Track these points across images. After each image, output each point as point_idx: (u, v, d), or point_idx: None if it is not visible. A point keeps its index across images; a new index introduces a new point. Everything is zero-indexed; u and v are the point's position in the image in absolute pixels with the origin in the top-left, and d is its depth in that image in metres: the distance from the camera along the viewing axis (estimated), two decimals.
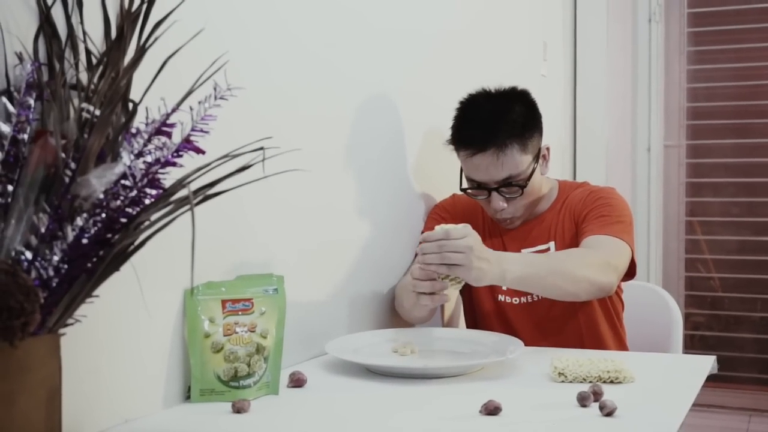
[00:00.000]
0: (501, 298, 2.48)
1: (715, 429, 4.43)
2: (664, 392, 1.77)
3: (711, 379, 1.96)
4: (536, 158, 2.40)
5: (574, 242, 2.40)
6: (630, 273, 2.35)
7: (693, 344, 4.77)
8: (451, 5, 2.86)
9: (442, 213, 2.60)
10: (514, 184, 2.36)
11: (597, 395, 1.63)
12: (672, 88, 4.75)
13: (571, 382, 1.82)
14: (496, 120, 2.34)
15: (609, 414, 1.55)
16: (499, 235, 2.52)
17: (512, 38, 3.40)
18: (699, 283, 4.81)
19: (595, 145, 4.13)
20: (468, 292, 2.58)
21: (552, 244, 2.46)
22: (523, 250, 2.45)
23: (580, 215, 2.42)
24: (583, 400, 1.62)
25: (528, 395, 1.74)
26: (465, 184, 2.45)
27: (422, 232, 2.56)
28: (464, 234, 1.96)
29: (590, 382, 1.80)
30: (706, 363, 2.00)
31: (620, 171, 4.38)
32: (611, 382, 1.80)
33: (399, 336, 2.18)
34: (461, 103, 2.45)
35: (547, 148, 2.49)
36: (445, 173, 2.77)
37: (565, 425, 1.54)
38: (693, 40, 4.76)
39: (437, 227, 2.00)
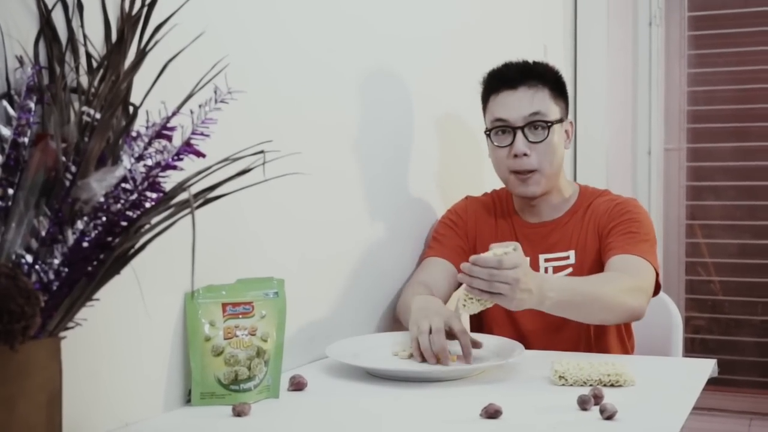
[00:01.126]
0: None
1: None
2: (665, 396, 1.77)
3: (711, 383, 1.96)
4: (562, 120, 2.44)
5: (596, 254, 2.40)
6: (654, 292, 2.34)
7: (693, 347, 4.76)
8: (451, 9, 2.85)
9: (453, 217, 2.59)
10: (540, 123, 2.37)
11: (597, 399, 1.63)
12: (672, 91, 4.74)
13: (571, 385, 1.82)
14: (532, 65, 2.46)
15: (609, 417, 1.55)
16: (514, 237, 2.49)
17: (512, 41, 3.40)
18: (699, 286, 4.80)
19: (596, 148, 4.12)
20: None
21: (572, 253, 2.44)
22: (540, 257, 2.44)
23: (605, 228, 2.41)
24: (583, 404, 1.62)
25: (528, 398, 1.74)
26: (490, 126, 2.46)
27: (433, 235, 2.59)
28: (515, 264, 1.92)
29: (591, 385, 1.80)
30: (707, 366, 2.00)
31: (621, 174, 4.38)
32: (612, 385, 1.80)
33: (400, 339, 2.18)
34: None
35: (571, 123, 2.52)
36: (447, 177, 2.77)
37: (566, 429, 1.54)
38: (693, 44, 4.75)
39: (491, 253, 1.96)
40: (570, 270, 2.42)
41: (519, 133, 2.37)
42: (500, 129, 2.42)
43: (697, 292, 4.80)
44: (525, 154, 2.38)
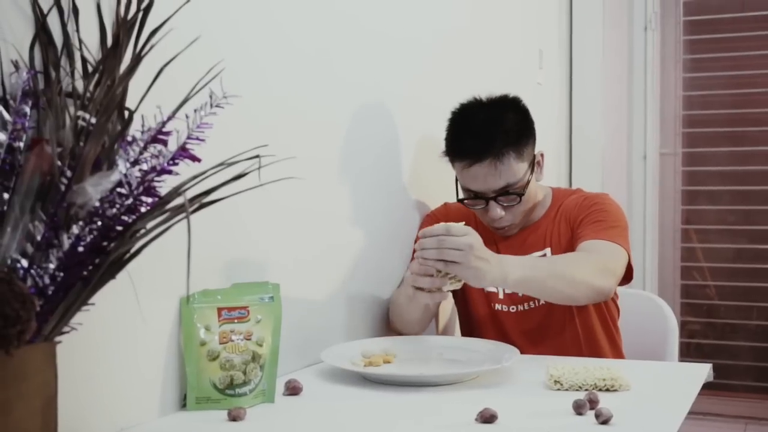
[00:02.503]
0: (497, 306, 2.48)
1: None
2: (660, 400, 1.77)
3: (707, 387, 1.96)
4: (532, 165, 2.41)
5: (570, 247, 2.40)
6: (627, 277, 2.35)
7: (689, 352, 4.77)
8: (447, 13, 2.86)
9: (433, 222, 2.58)
10: (511, 193, 2.36)
11: (593, 403, 1.63)
12: (668, 96, 4.75)
13: (567, 389, 1.82)
14: (491, 129, 2.34)
15: (605, 422, 1.55)
16: (494, 243, 2.50)
17: (508, 46, 3.41)
18: (695, 291, 4.81)
19: (591, 153, 4.13)
20: (463, 301, 2.58)
21: (548, 251, 2.46)
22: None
23: (575, 220, 2.42)
24: (578, 408, 1.62)
25: (524, 403, 1.74)
26: (461, 195, 2.44)
27: (415, 241, 2.57)
28: (465, 232, 1.95)
29: (586, 389, 1.80)
30: (702, 371, 2.00)
31: (616, 179, 4.38)
32: (607, 390, 1.80)
33: (394, 344, 2.17)
34: (454, 113, 2.45)
35: (542, 154, 2.50)
36: (440, 180, 2.77)
37: None
38: (689, 48, 4.76)
39: (438, 224, 1.98)
40: None
41: (492, 202, 2.38)
42: (473, 198, 2.41)
43: (693, 296, 4.81)
44: (501, 217, 2.39)
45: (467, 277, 1.97)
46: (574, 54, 4.23)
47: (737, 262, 4.71)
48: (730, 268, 4.73)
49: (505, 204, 2.38)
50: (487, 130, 2.34)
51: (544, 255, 2.45)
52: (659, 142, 4.71)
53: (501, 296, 2.47)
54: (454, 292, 2.45)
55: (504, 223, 2.42)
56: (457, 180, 2.45)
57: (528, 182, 2.38)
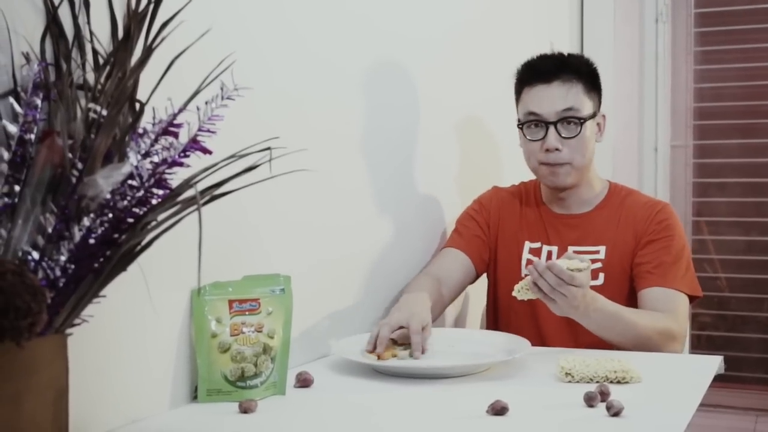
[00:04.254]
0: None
1: (721, 429, 4.42)
2: (671, 392, 1.77)
3: (718, 380, 1.96)
4: (594, 115, 2.45)
5: (628, 255, 2.44)
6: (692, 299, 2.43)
7: (700, 344, 4.75)
8: (456, 6, 2.85)
9: (476, 207, 2.64)
10: (572, 119, 2.39)
11: (604, 395, 1.63)
12: (679, 88, 4.73)
13: (578, 382, 1.82)
14: (565, 59, 2.47)
15: (616, 414, 1.55)
16: (541, 225, 2.54)
17: (519, 38, 3.40)
18: (706, 283, 4.78)
19: (602, 145, 4.08)
20: (494, 287, 2.60)
21: (603, 249, 2.46)
22: (569, 248, 2.45)
23: (643, 235, 2.45)
24: (590, 401, 1.62)
25: (535, 395, 1.74)
26: (522, 120, 2.47)
27: (456, 224, 2.64)
28: (582, 284, 2.00)
29: (597, 382, 1.80)
30: (713, 363, 2.00)
31: (627, 171, 4.37)
32: (618, 382, 1.80)
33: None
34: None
35: (603, 116, 2.54)
36: (453, 175, 2.77)
37: (572, 425, 1.54)
38: (700, 41, 4.74)
39: (565, 262, 2.01)
40: (599, 265, 2.43)
41: (551, 128, 2.39)
42: (533, 123, 2.43)
43: (704, 288, 4.74)
44: (557, 149, 2.39)
45: (552, 309, 2.06)
46: (585, 46, 4.22)
47: (748, 254, 4.69)
48: (741, 260, 4.71)
49: (564, 135, 2.39)
50: (561, 58, 2.47)
51: (596, 251, 2.46)
52: (670, 134, 4.70)
53: None
54: (487, 276, 2.58)
55: (559, 158, 2.41)
56: (518, 121, 2.49)
57: (591, 117, 2.43)
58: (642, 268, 2.40)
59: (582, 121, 2.38)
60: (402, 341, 2.06)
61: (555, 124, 2.38)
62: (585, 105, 2.40)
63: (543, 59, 2.48)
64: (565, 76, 2.39)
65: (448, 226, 2.75)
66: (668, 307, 2.32)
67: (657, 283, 2.36)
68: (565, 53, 2.52)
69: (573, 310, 2.02)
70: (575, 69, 2.41)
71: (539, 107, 2.40)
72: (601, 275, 2.42)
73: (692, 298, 2.40)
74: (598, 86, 2.50)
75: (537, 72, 2.43)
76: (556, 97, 2.38)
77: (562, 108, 2.37)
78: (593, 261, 2.40)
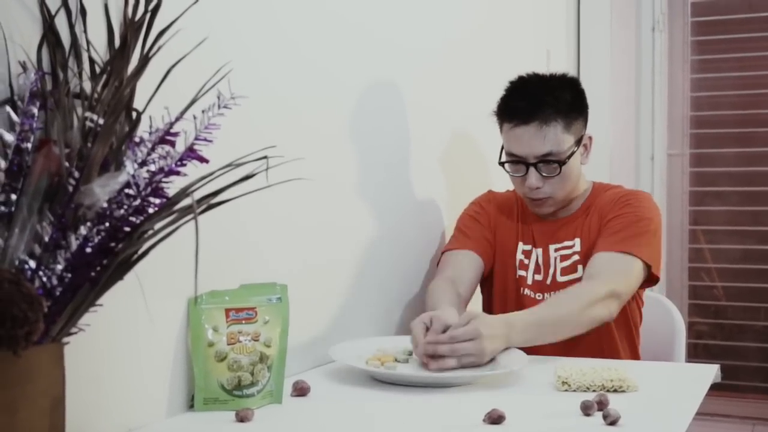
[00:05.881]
0: (525, 291, 2.52)
1: None
2: (668, 401, 1.77)
3: (714, 388, 1.96)
4: (578, 143, 2.43)
5: (596, 240, 2.42)
6: (651, 280, 2.38)
7: (696, 353, 4.75)
8: (453, 13, 2.86)
9: (477, 209, 2.64)
10: (552, 161, 2.37)
11: (601, 404, 1.63)
12: (675, 96, 4.74)
13: (574, 391, 1.82)
14: (543, 95, 2.39)
15: (613, 423, 1.55)
16: (530, 229, 2.55)
17: (516, 46, 3.40)
18: (702, 291, 4.80)
19: (599, 153, 4.09)
20: (489, 288, 2.61)
21: (577, 241, 2.47)
22: (550, 247, 2.49)
23: (605, 217, 2.44)
24: (586, 409, 1.62)
25: (532, 404, 1.74)
26: (504, 159, 2.46)
27: (457, 226, 2.64)
28: (472, 336, 1.97)
29: (594, 391, 1.80)
30: (710, 372, 2.00)
31: (624, 179, 4.35)
32: (615, 391, 1.80)
33: (401, 344, 2.17)
34: (511, 81, 2.50)
35: (590, 138, 2.52)
36: (449, 182, 2.77)
37: None
38: (697, 49, 4.75)
39: (436, 326, 2.01)
40: (576, 258, 2.45)
41: (532, 169, 2.39)
42: (513, 161, 2.43)
43: (700, 297, 4.80)
44: (538, 187, 2.40)
45: (483, 361, 1.99)
46: (582, 55, 4.23)
47: (745, 263, 4.69)
48: (738, 269, 4.71)
49: (544, 174, 2.39)
50: (539, 95, 2.39)
51: (572, 245, 2.47)
52: (667, 142, 4.70)
53: (530, 281, 2.50)
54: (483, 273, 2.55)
55: (540, 195, 2.43)
56: (502, 147, 2.48)
57: (571, 155, 2.40)
58: (599, 237, 2.41)
59: (562, 163, 2.38)
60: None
61: (535, 165, 2.38)
62: (565, 143, 2.38)
63: (520, 97, 2.42)
64: (543, 117, 2.35)
65: (443, 233, 2.76)
66: (606, 271, 2.30)
67: (604, 249, 2.34)
68: (548, 75, 2.49)
69: (491, 343, 1.98)
70: (554, 106, 2.37)
71: (518, 149, 2.39)
72: (580, 267, 2.44)
73: (651, 277, 2.37)
74: (583, 107, 2.48)
75: (514, 112, 2.40)
76: (534, 140, 2.36)
77: (541, 153, 2.36)
78: (570, 255, 2.47)
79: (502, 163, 2.47)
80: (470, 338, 1.95)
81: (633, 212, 2.41)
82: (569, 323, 2.19)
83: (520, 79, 2.49)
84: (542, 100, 2.37)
